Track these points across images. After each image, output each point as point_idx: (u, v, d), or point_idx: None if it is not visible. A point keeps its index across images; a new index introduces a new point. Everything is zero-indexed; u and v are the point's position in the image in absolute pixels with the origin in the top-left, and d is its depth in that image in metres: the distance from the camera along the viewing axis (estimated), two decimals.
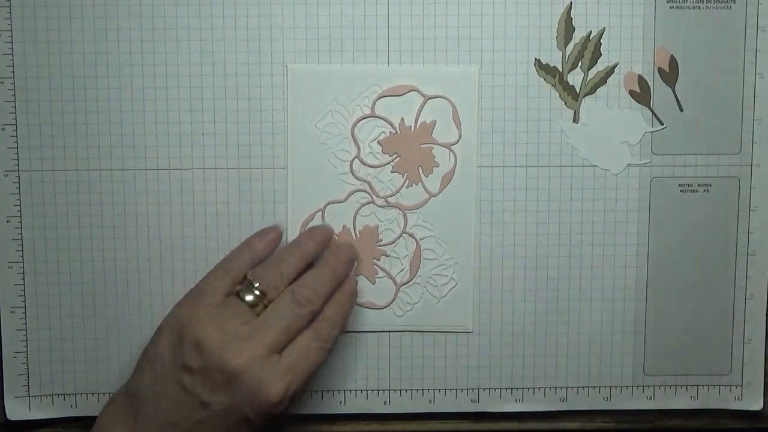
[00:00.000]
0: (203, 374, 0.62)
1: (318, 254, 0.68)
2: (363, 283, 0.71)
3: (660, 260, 0.72)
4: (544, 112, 0.71)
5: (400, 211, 0.71)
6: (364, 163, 0.70)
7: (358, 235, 0.70)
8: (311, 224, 0.70)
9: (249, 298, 0.64)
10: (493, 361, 0.73)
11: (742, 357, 0.73)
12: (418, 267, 0.71)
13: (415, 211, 0.71)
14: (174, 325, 0.63)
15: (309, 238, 0.68)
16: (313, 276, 0.65)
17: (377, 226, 0.70)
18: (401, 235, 0.71)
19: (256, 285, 0.64)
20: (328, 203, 0.70)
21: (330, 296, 0.65)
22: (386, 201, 0.71)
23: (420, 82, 0.70)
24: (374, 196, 0.71)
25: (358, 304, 0.71)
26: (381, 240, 0.71)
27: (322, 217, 0.70)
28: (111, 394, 0.69)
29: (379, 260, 0.71)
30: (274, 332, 0.62)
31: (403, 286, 0.71)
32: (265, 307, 0.64)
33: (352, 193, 0.70)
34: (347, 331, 0.71)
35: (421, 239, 0.71)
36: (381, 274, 0.71)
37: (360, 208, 0.70)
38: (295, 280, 0.65)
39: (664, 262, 0.72)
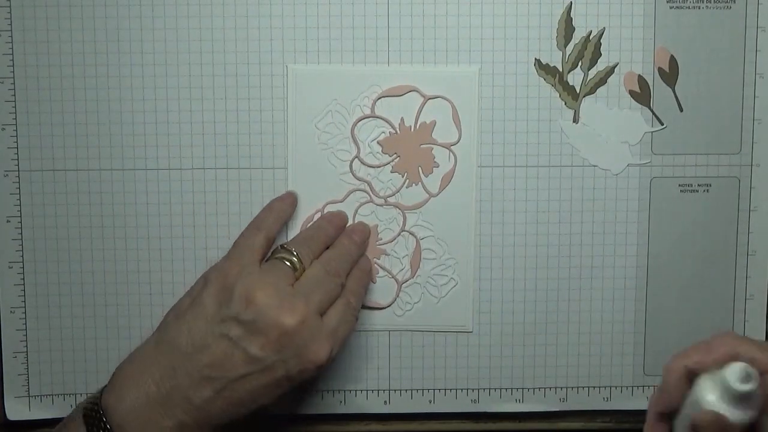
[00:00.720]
0: (254, 327, 0.62)
1: (335, 237, 0.69)
2: None
3: (660, 260, 0.72)
4: (544, 112, 0.71)
5: (400, 211, 0.71)
6: (363, 163, 0.70)
7: None
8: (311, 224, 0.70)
9: (290, 262, 0.65)
10: (493, 361, 0.73)
11: None
12: (419, 265, 0.71)
13: (414, 211, 0.71)
14: (221, 278, 0.64)
15: (328, 223, 0.69)
16: (335, 253, 0.67)
17: (376, 226, 0.70)
18: (400, 233, 0.71)
19: (294, 252, 0.65)
20: (328, 203, 0.70)
21: (349, 273, 0.68)
22: (386, 201, 0.71)
23: (420, 82, 0.70)
24: (374, 196, 0.71)
25: (366, 306, 0.71)
26: (380, 239, 0.71)
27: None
28: (104, 390, 0.69)
29: (379, 259, 0.71)
30: (318, 295, 0.64)
31: (404, 285, 0.71)
32: (302, 274, 0.65)
33: (351, 192, 0.70)
34: None
35: (421, 239, 0.71)
36: (381, 273, 0.71)
37: (359, 207, 0.70)
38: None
39: (664, 262, 0.72)
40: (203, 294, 0.64)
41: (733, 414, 0.55)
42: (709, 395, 0.56)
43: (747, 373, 0.54)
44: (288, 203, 0.70)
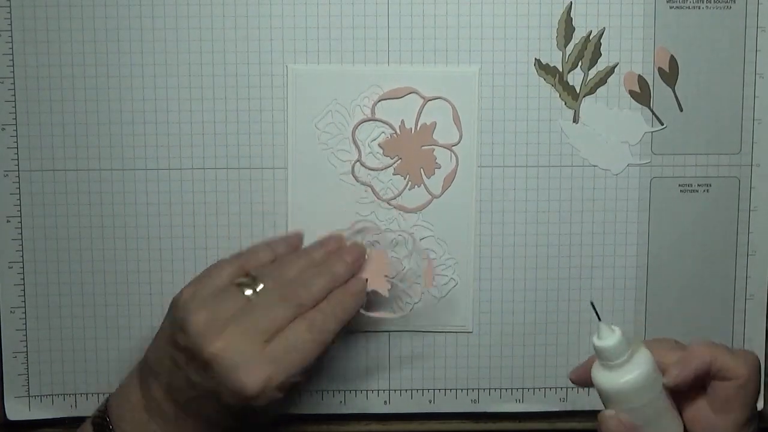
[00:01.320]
0: (187, 354, 0.61)
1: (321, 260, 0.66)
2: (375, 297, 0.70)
3: (660, 260, 0.72)
4: (544, 112, 0.71)
5: (400, 212, 0.71)
6: (365, 167, 0.70)
7: (366, 259, 0.68)
8: None
9: (247, 292, 0.62)
10: (493, 361, 0.73)
11: None
12: (433, 281, 0.70)
13: (415, 211, 0.71)
14: (174, 302, 0.63)
15: (319, 246, 0.67)
16: (308, 274, 0.64)
17: (385, 251, 0.69)
18: (411, 254, 0.70)
19: (256, 279, 0.63)
20: (332, 233, 0.68)
21: (327, 295, 0.63)
22: (389, 204, 0.71)
23: (420, 82, 0.70)
24: (376, 199, 0.71)
25: (373, 315, 0.68)
26: (391, 260, 0.69)
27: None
28: (111, 394, 0.69)
29: (390, 288, 0.68)
30: (255, 319, 0.60)
31: (403, 285, 0.71)
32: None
33: (356, 223, 0.69)
34: (347, 332, 0.71)
35: (421, 239, 0.71)
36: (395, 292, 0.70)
37: (364, 238, 0.69)
38: None
39: (664, 262, 0.72)
40: (166, 316, 0.64)
41: (607, 378, 0.56)
42: (595, 365, 0.58)
43: (607, 329, 0.56)
44: (286, 245, 0.67)
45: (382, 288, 0.67)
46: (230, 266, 0.64)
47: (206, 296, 0.62)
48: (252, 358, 0.59)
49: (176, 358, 0.61)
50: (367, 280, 0.66)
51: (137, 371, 0.65)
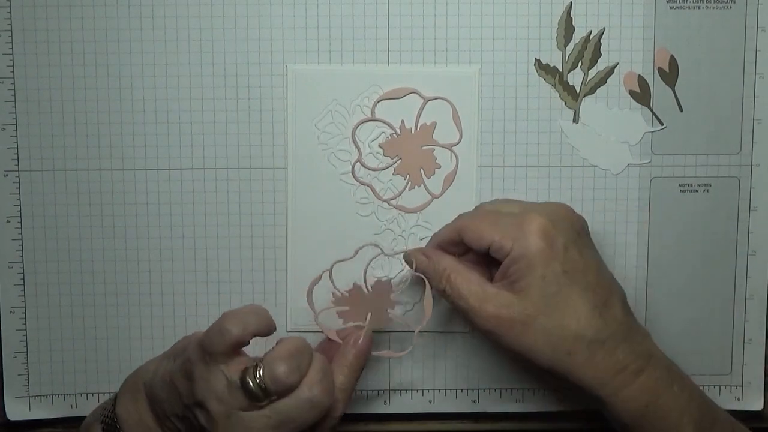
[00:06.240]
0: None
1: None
2: (377, 335, 0.70)
3: (660, 260, 0.72)
4: (544, 112, 0.71)
5: (400, 212, 0.71)
6: (365, 167, 0.70)
7: (370, 290, 0.68)
8: (317, 284, 0.67)
9: (256, 392, 0.60)
10: (493, 361, 0.73)
11: (742, 357, 0.73)
12: (431, 310, 0.69)
13: (416, 212, 0.71)
14: (187, 367, 0.61)
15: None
16: (321, 369, 0.62)
17: (390, 280, 0.68)
18: (410, 279, 0.69)
19: (263, 383, 0.60)
20: (335, 263, 0.67)
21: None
22: (389, 204, 0.71)
23: (420, 82, 0.70)
24: (377, 199, 0.71)
25: (377, 354, 0.68)
26: (393, 291, 0.68)
27: (330, 275, 0.68)
28: (111, 395, 0.69)
29: (393, 309, 0.68)
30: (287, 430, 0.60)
31: (405, 287, 0.71)
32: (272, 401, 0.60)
33: (361, 247, 0.68)
34: None
35: (421, 239, 0.71)
36: (397, 323, 0.70)
37: (369, 263, 0.68)
38: None
39: (664, 262, 0.72)
40: (177, 362, 0.62)
41: None
42: None
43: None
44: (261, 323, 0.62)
45: (385, 324, 0.68)
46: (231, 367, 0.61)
47: (222, 389, 0.60)
48: None
49: (191, 428, 0.62)
50: (370, 315, 0.67)
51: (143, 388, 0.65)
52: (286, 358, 0.60)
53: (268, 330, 0.62)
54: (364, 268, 0.68)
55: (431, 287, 0.66)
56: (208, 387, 0.60)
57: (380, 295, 0.68)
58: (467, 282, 0.64)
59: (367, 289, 0.68)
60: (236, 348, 0.61)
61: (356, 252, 0.68)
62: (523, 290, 0.62)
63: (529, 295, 0.62)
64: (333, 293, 0.68)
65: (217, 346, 0.60)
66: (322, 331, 0.67)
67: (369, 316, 0.67)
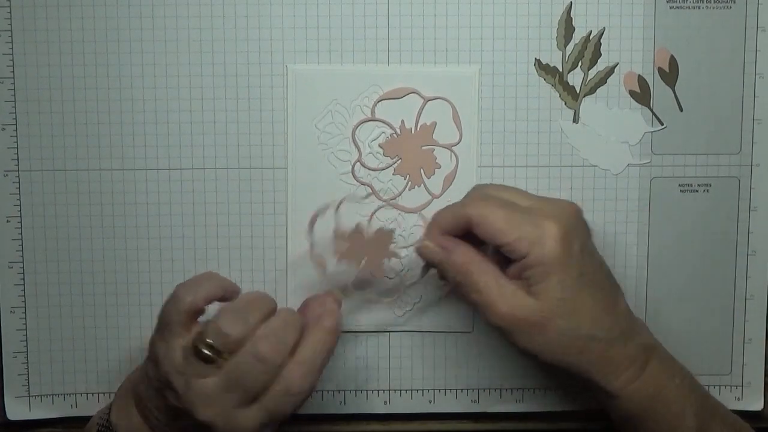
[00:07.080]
0: (179, 411, 0.61)
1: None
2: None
3: (660, 260, 0.72)
4: (544, 112, 0.71)
5: (400, 212, 0.71)
6: (365, 167, 0.70)
7: (371, 235, 0.68)
8: (318, 219, 0.68)
9: (206, 354, 0.59)
10: (493, 361, 0.73)
11: (742, 357, 0.73)
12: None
13: (416, 212, 0.71)
14: (155, 360, 0.62)
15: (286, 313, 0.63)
16: (275, 326, 0.60)
17: (393, 231, 0.69)
18: (413, 245, 0.69)
19: (211, 342, 0.59)
20: (342, 200, 0.69)
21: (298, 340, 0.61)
22: (388, 204, 0.71)
23: (420, 82, 0.70)
24: (377, 199, 0.71)
25: (365, 299, 0.69)
26: (395, 243, 0.69)
27: (336, 211, 0.68)
28: (111, 395, 0.69)
29: (390, 261, 0.69)
30: (240, 392, 0.59)
31: (406, 288, 0.71)
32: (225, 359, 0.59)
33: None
34: (347, 331, 0.71)
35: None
36: (391, 275, 0.70)
37: (376, 210, 0.69)
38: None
39: (664, 262, 0.72)
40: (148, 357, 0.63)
41: None
42: None
43: None
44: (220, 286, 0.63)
45: (378, 274, 0.67)
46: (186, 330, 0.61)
47: (180, 361, 0.60)
48: (245, 421, 0.60)
49: (168, 412, 0.62)
50: (366, 259, 0.66)
51: (131, 393, 0.65)
52: (231, 311, 0.59)
53: (224, 293, 0.61)
54: (371, 213, 0.68)
55: (443, 278, 0.65)
56: (169, 362, 0.60)
57: (380, 243, 0.68)
58: (485, 275, 0.62)
59: (369, 235, 0.68)
60: (192, 317, 0.60)
61: (367, 195, 0.69)
62: (539, 294, 0.61)
63: (545, 298, 0.61)
64: (335, 229, 0.67)
65: (172, 316, 0.60)
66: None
67: (364, 261, 0.67)
